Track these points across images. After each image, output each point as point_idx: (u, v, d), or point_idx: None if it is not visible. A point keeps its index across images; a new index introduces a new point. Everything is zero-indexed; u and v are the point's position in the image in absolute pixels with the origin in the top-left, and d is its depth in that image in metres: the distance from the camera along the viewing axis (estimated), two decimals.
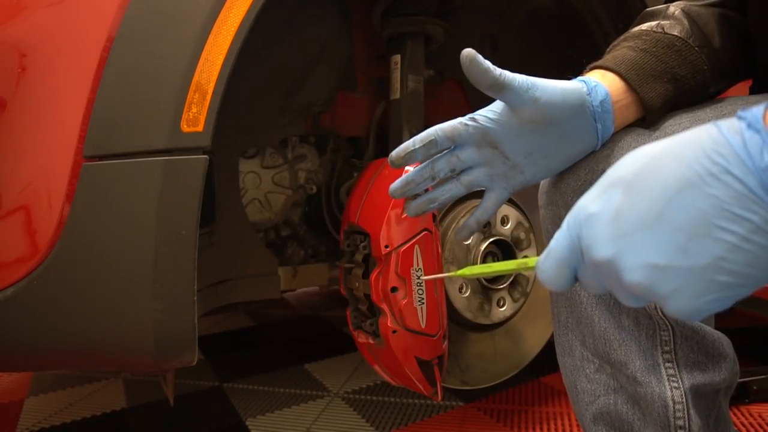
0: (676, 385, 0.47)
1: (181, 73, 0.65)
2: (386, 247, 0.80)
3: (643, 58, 0.50)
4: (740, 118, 0.27)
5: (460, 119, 0.49)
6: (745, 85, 0.61)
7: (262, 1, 0.70)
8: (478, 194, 0.57)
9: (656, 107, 0.50)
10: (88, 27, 0.65)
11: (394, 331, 0.80)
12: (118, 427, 1.16)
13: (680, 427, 0.47)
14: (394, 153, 0.52)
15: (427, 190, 0.56)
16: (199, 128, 0.66)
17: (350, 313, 0.93)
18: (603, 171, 0.37)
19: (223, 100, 0.68)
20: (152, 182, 0.64)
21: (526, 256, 0.98)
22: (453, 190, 0.54)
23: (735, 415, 1.07)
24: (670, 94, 0.51)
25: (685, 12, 0.55)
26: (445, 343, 0.86)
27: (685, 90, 0.52)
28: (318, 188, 1.26)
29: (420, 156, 0.51)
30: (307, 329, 1.95)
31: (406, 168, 0.57)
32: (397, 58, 1.05)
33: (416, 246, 0.81)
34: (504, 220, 0.97)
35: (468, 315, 0.93)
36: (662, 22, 0.54)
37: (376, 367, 0.91)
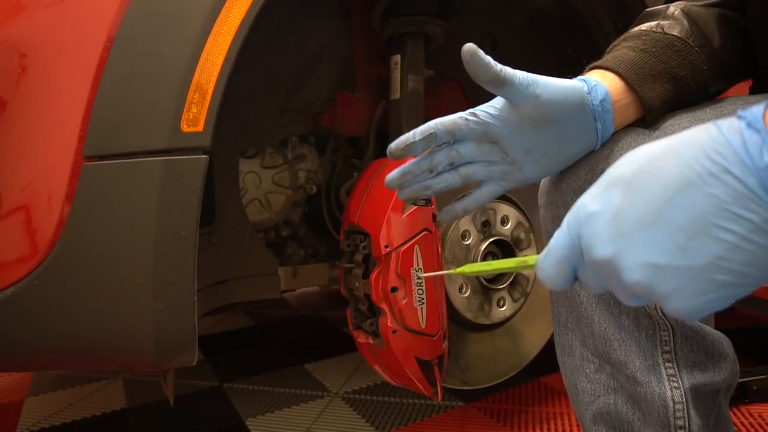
0: (676, 385, 0.47)
1: (181, 73, 0.65)
2: (386, 247, 0.80)
3: (642, 58, 0.50)
4: (740, 117, 0.27)
5: (460, 114, 0.49)
6: (745, 85, 0.61)
7: (262, 1, 0.70)
8: None
9: (656, 107, 0.50)
10: (88, 27, 0.65)
11: (394, 331, 0.80)
12: (118, 427, 1.16)
13: (680, 427, 0.47)
14: (393, 144, 0.52)
15: None
16: (199, 128, 0.66)
17: (350, 313, 0.93)
18: (603, 171, 0.37)
19: (223, 100, 0.68)
20: (152, 182, 0.64)
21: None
22: (449, 179, 0.53)
23: (735, 415, 1.07)
24: (670, 94, 0.51)
25: (685, 12, 0.55)
26: (445, 343, 0.86)
27: (685, 90, 0.52)
28: (318, 188, 1.26)
29: (419, 148, 0.51)
30: (307, 329, 1.95)
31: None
32: (397, 58, 1.05)
33: (416, 246, 0.81)
34: (504, 220, 0.97)
35: (468, 315, 0.93)
36: (662, 22, 0.54)
37: (376, 367, 0.91)
